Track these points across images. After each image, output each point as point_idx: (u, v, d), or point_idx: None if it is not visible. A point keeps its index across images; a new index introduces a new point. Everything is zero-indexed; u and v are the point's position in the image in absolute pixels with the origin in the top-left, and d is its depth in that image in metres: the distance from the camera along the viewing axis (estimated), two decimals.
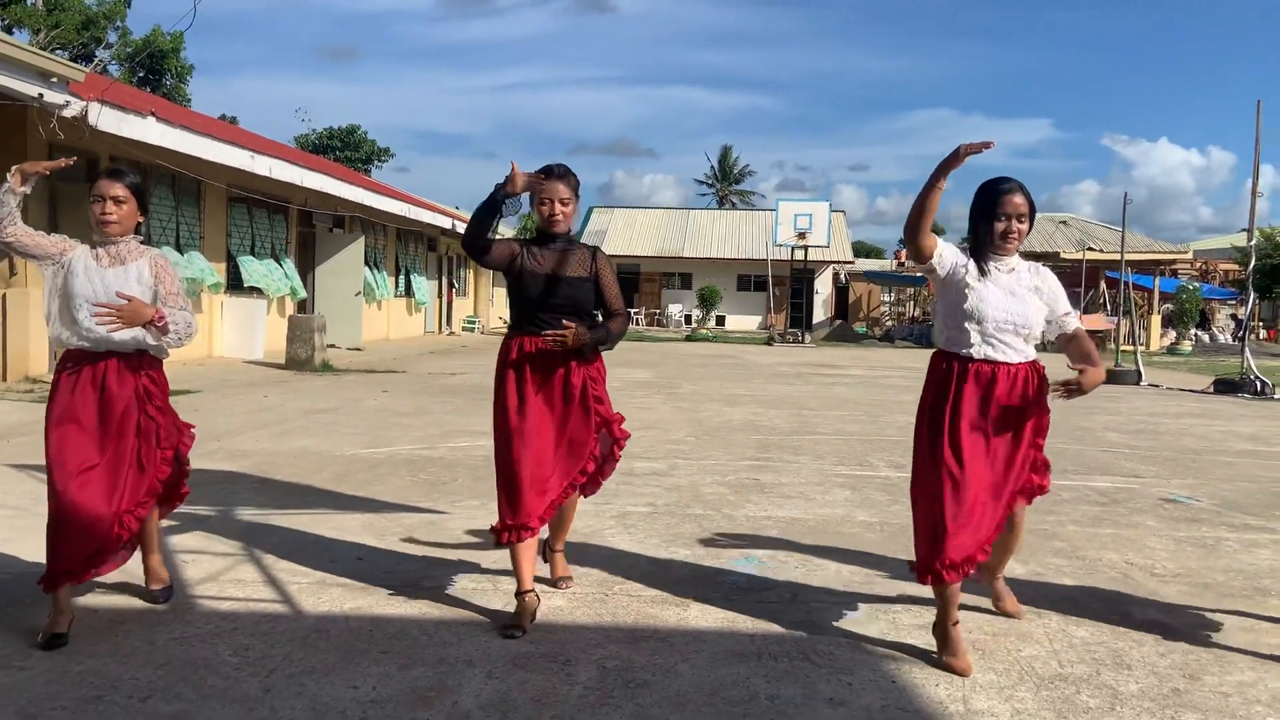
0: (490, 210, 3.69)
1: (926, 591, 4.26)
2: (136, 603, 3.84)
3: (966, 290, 3.54)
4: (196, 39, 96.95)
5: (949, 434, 3.50)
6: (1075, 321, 3.69)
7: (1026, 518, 3.88)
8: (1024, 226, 3.54)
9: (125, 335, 3.53)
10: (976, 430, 3.51)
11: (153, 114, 12.29)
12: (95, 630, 3.52)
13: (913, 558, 3.61)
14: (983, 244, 3.58)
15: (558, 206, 3.87)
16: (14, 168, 3.57)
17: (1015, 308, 3.52)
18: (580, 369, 3.88)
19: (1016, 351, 3.55)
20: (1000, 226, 3.52)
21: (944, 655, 3.44)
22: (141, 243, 3.74)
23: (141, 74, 39.94)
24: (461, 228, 28.20)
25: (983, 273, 3.56)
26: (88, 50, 36.69)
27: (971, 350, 3.54)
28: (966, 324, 3.54)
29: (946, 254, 3.61)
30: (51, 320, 3.62)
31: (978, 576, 3.80)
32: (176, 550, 4.60)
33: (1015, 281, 3.58)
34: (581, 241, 4.04)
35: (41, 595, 3.51)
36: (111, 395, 3.56)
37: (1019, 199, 3.52)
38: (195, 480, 6.16)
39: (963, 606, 4.00)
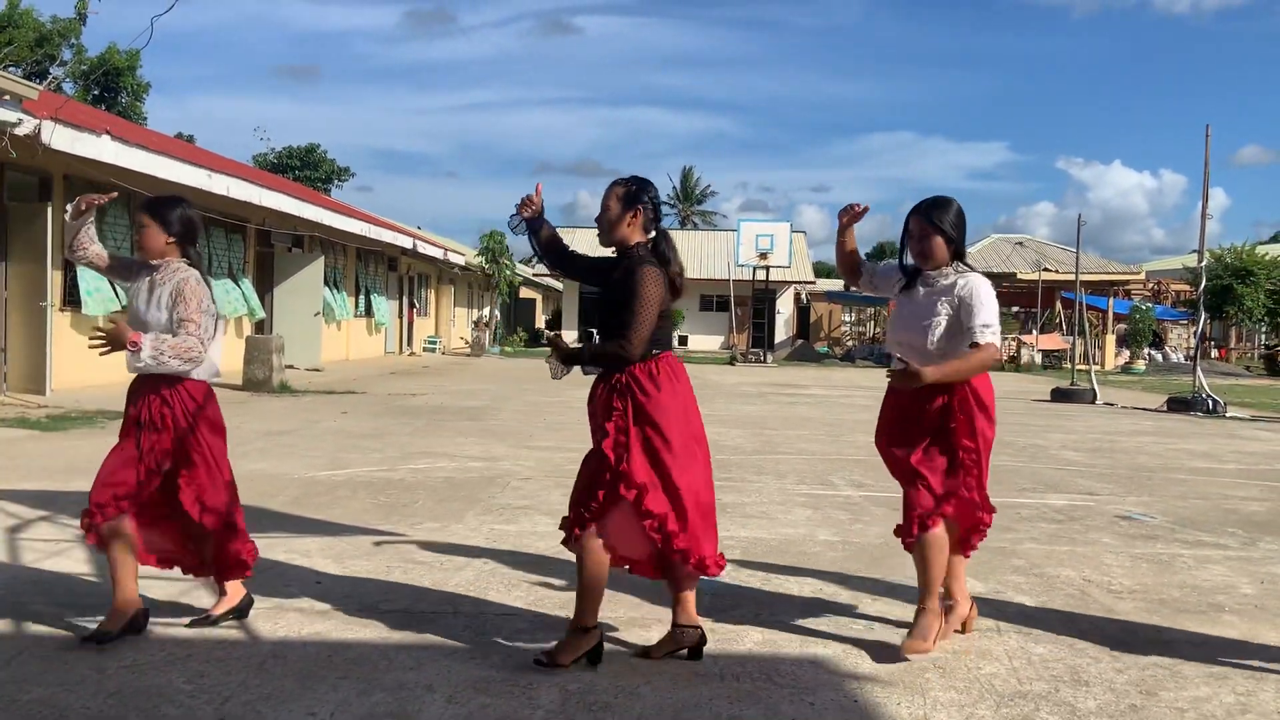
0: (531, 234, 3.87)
1: (888, 611, 4.28)
2: (85, 630, 3.75)
3: (892, 307, 4.01)
4: (153, 57, 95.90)
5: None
6: (984, 339, 3.66)
7: (988, 536, 3.96)
8: (926, 245, 3.77)
9: (142, 362, 3.67)
10: (896, 426, 3.90)
11: (108, 132, 12.14)
12: (43, 658, 3.44)
13: (873, 575, 3.66)
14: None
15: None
16: (77, 198, 3.83)
17: (915, 330, 3.81)
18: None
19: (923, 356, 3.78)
20: (912, 247, 3.86)
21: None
22: (190, 264, 3.83)
23: (96, 92, 39.47)
24: (423, 247, 28.10)
25: (905, 289, 3.91)
26: (41, 68, 36.15)
27: (893, 361, 3.93)
28: (887, 336, 3.97)
29: (882, 269, 4.11)
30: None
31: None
32: None
33: (933, 297, 3.80)
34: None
35: None
36: (158, 415, 3.73)
37: (914, 221, 3.81)
38: None
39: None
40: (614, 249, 3.76)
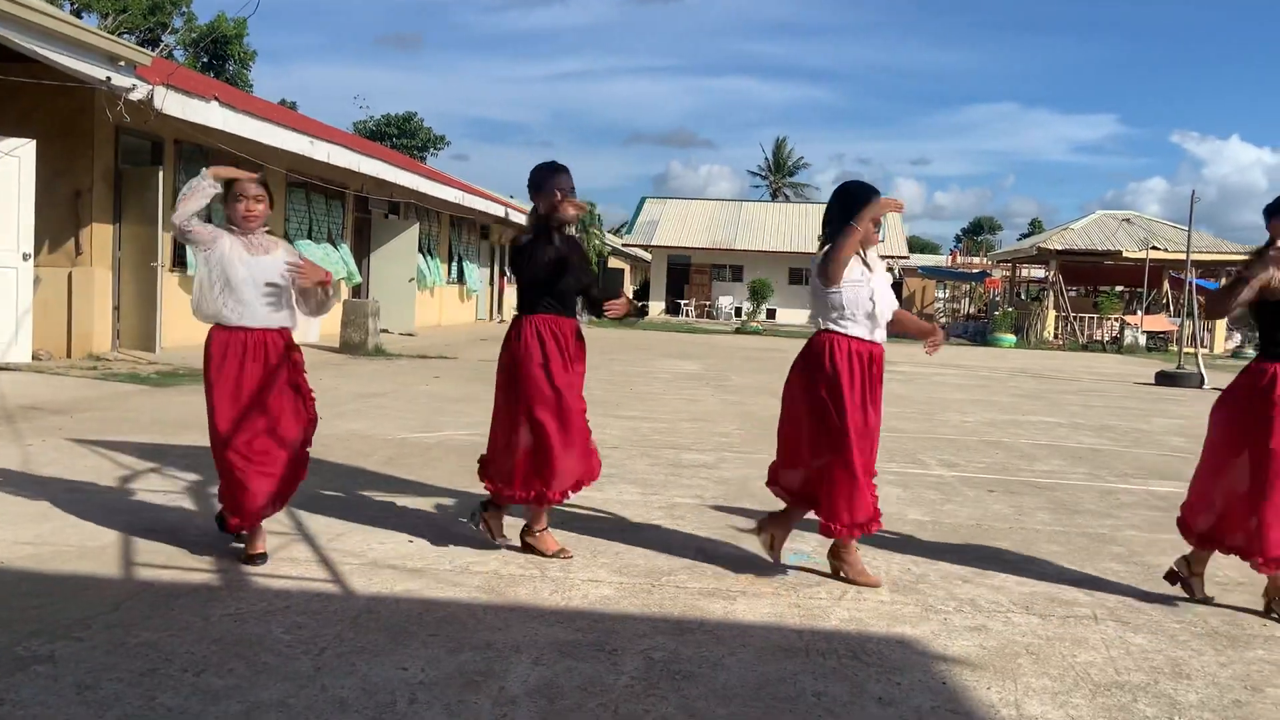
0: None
1: (978, 594, 4.19)
2: (191, 578, 3.91)
3: (861, 287, 4.19)
4: (259, 25, 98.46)
5: (844, 404, 4.14)
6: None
7: (1088, 523, 3.82)
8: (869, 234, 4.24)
9: (280, 315, 4.22)
10: (862, 401, 4.17)
11: (216, 99, 12.49)
12: (151, 605, 3.59)
13: (964, 556, 3.56)
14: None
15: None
16: (209, 168, 4.31)
17: (890, 297, 4.26)
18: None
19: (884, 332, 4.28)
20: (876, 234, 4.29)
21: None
22: (268, 233, 4.29)
23: (205, 59, 40.66)
24: (515, 216, 28.40)
25: (869, 267, 4.23)
26: (154, 35, 37.43)
27: (866, 333, 4.20)
28: (864, 309, 4.18)
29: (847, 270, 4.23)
30: (208, 300, 4.18)
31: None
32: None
33: (881, 269, 4.31)
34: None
35: (99, 574, 3.58)
36: (269, 363, 4.18)
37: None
38: None
39: (1012, 611, 3.93)
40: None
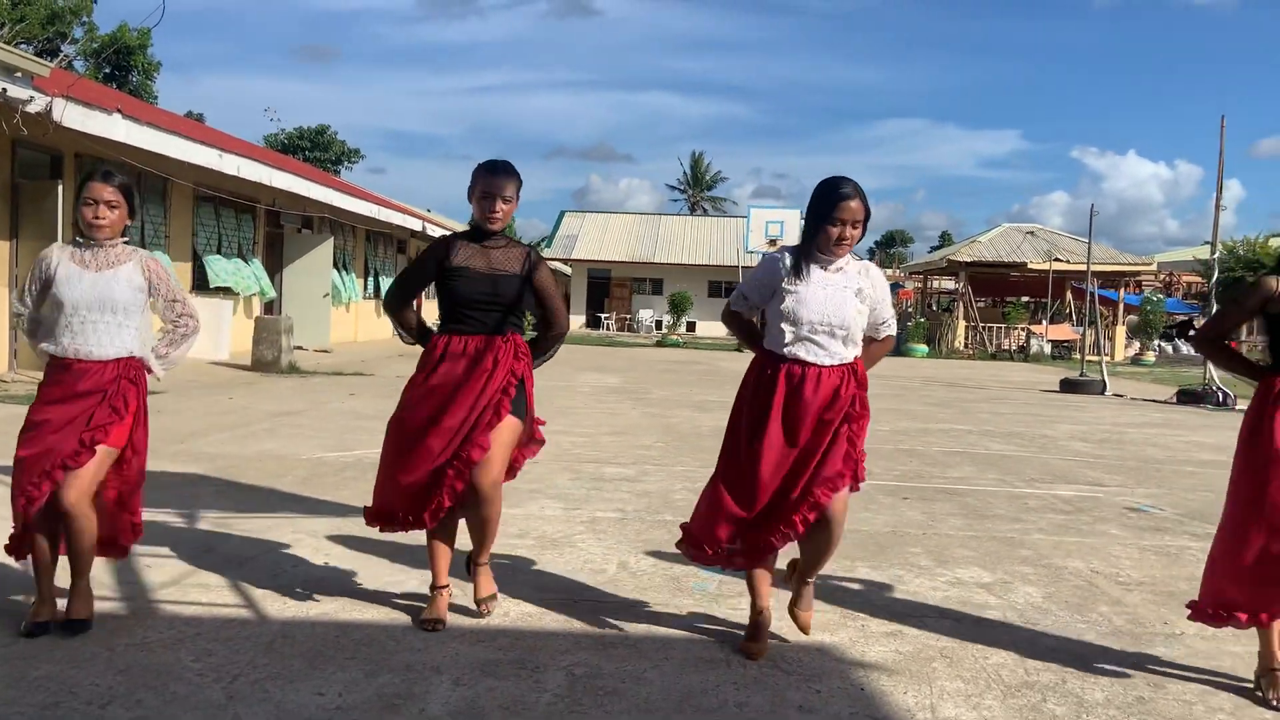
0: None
1: (894, 599, 4.28)
2: (95, 607, 3.76)
3: (785, 294, 3.52)
4: (164, 35, 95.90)
5: (750, 428, 3.55)
6: (889, 330, 3.72)
7: (997, 528, 3.88)
8: (857, 233, 3.50)
9: (114, 350, 3.54)
10: (777, 426, 3.50)
11: (119, 111, 12.13)
12: (52, 636, 3.45)
13: (880, 563, 3.61)
14: (813, 244, 3.53)
15: (499, 204, 3.78)
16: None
17: (831, 310, 3.49)
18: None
19: (829, 354, 3.50)
20: (835, 232, 3.47)
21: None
22: (127, 243, 3.68)
23: (108, 70, 39.45)
24: (432, 230, 28.12)
25: (800, 274, 3.53)
26: (53, 45, 36.16)
27: (784, 350, 3.52)
28: (783, 324, 3.52)
29: (756, 295, 3.68)
30: (37, 329, 3.66)
31: (786, 575, 3.84)
32: (138, 554, 4.52)
33: (840, 281, 3.54)
34: (526, 244, 3.97)
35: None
36: (80, 393, 3.52)
37: (855, 204, 3.47)
38: (158, 483, 6.09)
39: (926, 616, 4.03)
40: (491, 233, 3.86)
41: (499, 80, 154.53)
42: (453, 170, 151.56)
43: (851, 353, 3.55)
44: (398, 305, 4.02)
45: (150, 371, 3.66)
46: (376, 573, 4.39)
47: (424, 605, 3.91)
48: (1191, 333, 18.18)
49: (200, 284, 16.07)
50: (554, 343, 4.04)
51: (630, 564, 4.71)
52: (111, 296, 3.54)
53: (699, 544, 3.62)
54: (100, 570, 4.23)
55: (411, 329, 4.02)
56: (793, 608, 3.69)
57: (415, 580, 4.29)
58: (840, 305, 3.50)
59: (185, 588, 4.06)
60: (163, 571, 4.28)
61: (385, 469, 3.86)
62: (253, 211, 18.05)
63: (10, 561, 3.77)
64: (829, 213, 3.47)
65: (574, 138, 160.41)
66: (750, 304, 3.75)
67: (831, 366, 3.50)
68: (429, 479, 3.71)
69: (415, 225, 26.20)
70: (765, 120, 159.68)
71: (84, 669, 3.17)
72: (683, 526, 3.75)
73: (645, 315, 42.52)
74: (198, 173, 14.83)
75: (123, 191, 3.61)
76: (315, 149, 53.16)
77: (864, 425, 3.57)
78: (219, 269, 16.50)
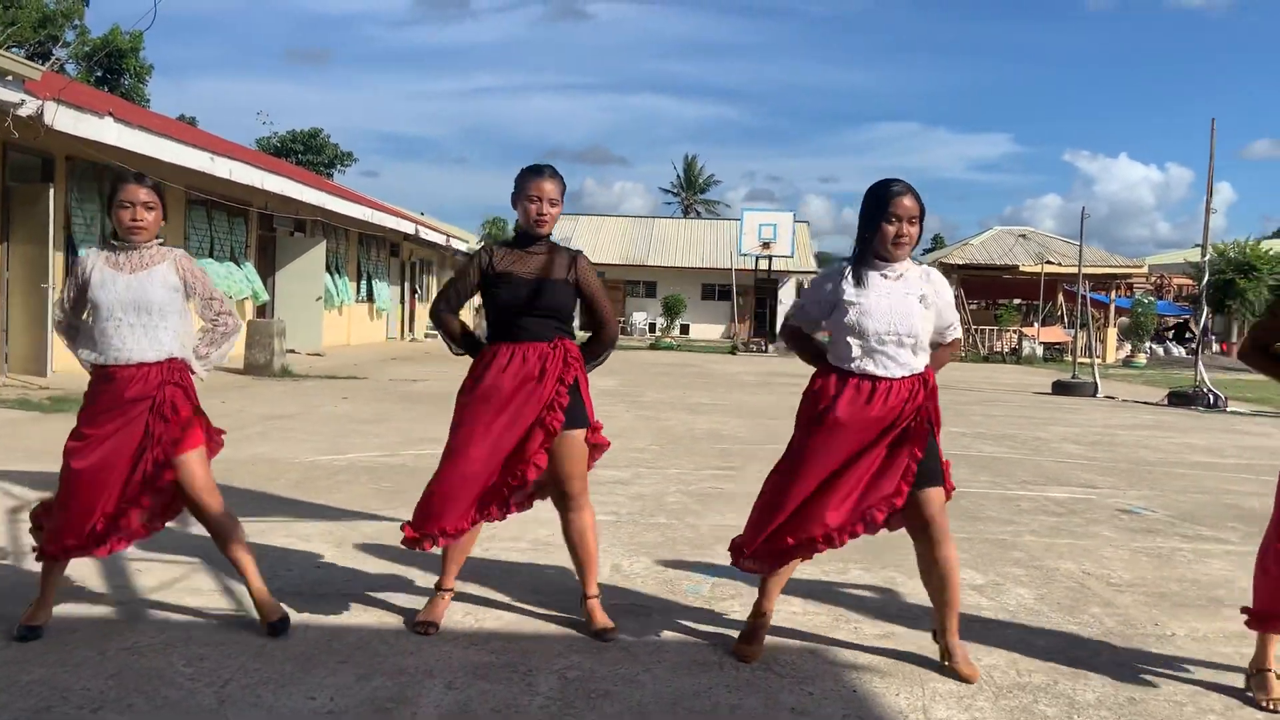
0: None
1: (887, 602, 4.28)
2: (87, 611, 3.76)
3: (848, 306, 3.40)
4: (156, 39, 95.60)
5: (814, 444, 3.43)
6: (955, 333, 3.61)
7: (990, 530, 3.85)
8: (914, 230, 3.40)
9: (154, 353, 3.51)
10: (842, 442, 3.38)
11: (110, 114, 12.10)
12: (44, 640, 3.44)
13: (873, 566, 3.60)
14: (869, 249, 3.43)
15: (547, 207, 3.73)
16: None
17: (897, 320, 3.36)
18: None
19: (900, 365, 3.38)
20: (891, 230, 3.36)
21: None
22: (161, 243, 3.67)
23: (99, 73, 39.36)
24: (425, 233, 28.10)
25: (861, 282, 3.41)
26: (44, 49, 36.08)
27: (852, 365, 3.40)
28: (849, 338, 3.40)
29: (816, 309, 3.57)
30: (75, 335, 3.62)
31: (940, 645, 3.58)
32: (129, 558, 4.51)
33: (903, 289, 3.41)
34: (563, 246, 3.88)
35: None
36: (129, 400, 3.49)
37: (909, 201, 3.37)
38: None
39: (919, 617, 4.03)
40: (537, 238, 3.80)
41: (493, 83, 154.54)
42: (446, 174, 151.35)
43: (921, 361, 3.43)
44: (442, 314, 3.92)
45: (193, 373, 3.65)
46: (369, 577, 4.38)
47: (417, 608, 3.91)
48: (1188, 335, 18.24)
49: None
50: (606, 347, 3.96)
51: (623, 566, 4.71)
52: (147, 298, 3.51)
53: (741, 550, 3.56)
54: (90, 574, 4.22)
55: (457, 338, 3.93)
56: (954, 665, 3.46)
57: (408, 584, 4.29)
58: (906, 313, 3.37)
59: (177, 592, 4.05)
60: (154, 575, 4.27)
61: (437, 483, 3.70)
62: (245, 215, 18.02)
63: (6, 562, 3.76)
64: (883, 211, 3.37)
65: (568, 141, 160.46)
66: (810, 318, 3.62)
67: (903, 379, 3.38)
68: (480, 493, 3.65)
69: (408, 229, 26.18)
70: (758, 123, 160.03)
71: (75, 673, 3.16)
72: (733, 547, 3.65)
73: (639, 318, 42.54)
74: (190, 176, 14.80)
75: (156, 192, 3.62)
76: (308, 152, 53.09)
77: (936, 434, 3.46)
78: (211, 272, 16.46)
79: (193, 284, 3.65)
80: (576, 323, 3.98)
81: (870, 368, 3.38)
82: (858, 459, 3.38)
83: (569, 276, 3.76)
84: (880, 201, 3.39)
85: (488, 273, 3.75)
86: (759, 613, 3.61)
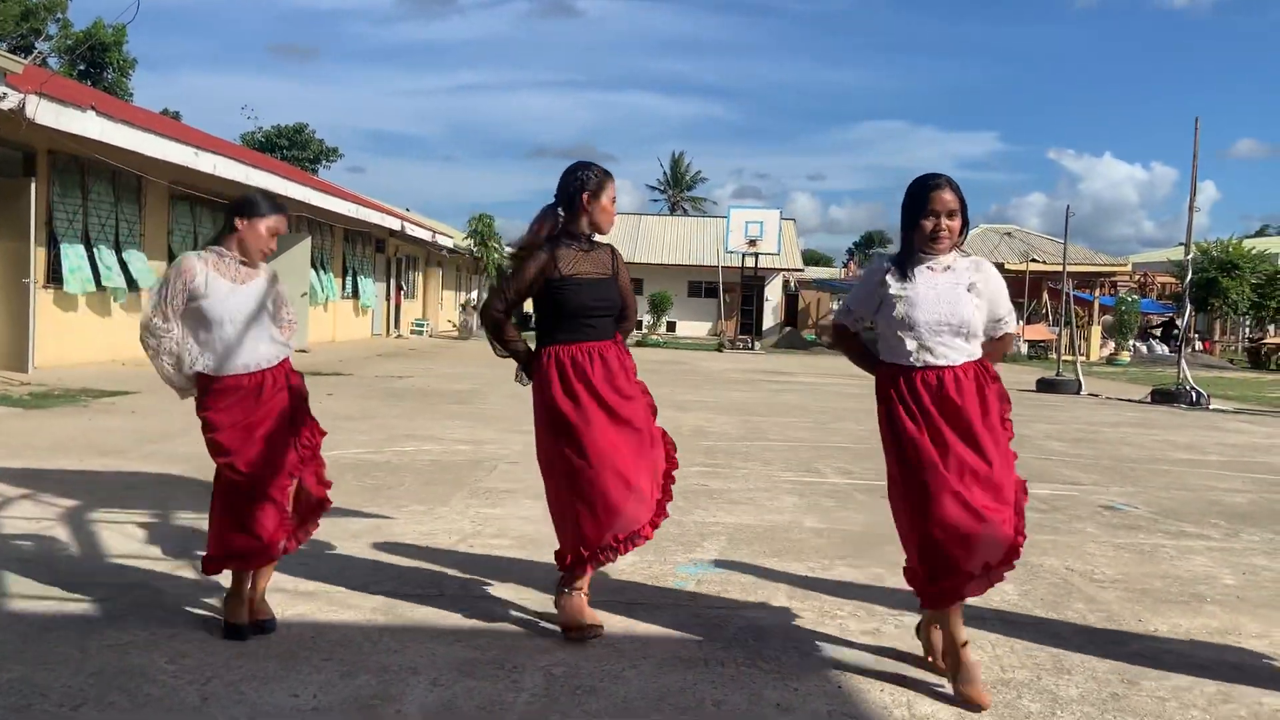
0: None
1: (873, 598, 4.29)
2: (67, 609, 3.73)
3: (895, 300, 3.36)
4: (139, 32, 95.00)
5: (910, 445, 3.29)
6: (1008, 327, 3.53)
7: None
8: (954, 223, 3.35)
9: (277, 354, 3.67)
10: (938, 437, 3.27)
11: (93, 108, 12.01)
12: (23, 637, 3.41)
13: (858, 563, 3.59)
14: (913, 244, 3.39)
15: (613, 206, 3.85)
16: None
17: (946, 309, 3.31)
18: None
19: (958, 351, 3.33)
20: (929, 225, 3.33)
21: (958, 684, 3.21)
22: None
23: (82, 67, 39.07)
24: (411, 229, 28.03)
25: (906, 276, 3.36)
26: (26, 42, 35.81)
27: (911, 359, 3.33)
28: (900, 333, 3.35)
29: (861, 306, 3.53)
30: (186, 351, 3.57)
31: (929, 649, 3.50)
32: (112, 554, 4.49)
33: (951, 280, 3.37)
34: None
35: None
36: (266, 402, 3.61)
37: (948, 195, 3.33)
38: (133, 483, 6.04)
39: (904, 614, 4.04)
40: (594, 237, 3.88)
41: (479, 80, 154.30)
42: (433, 170, 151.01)
43: (977, 348, 3.37)
44: (503, 316, 3.80)
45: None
46: (353, 574, 4.36)
47: (401, 604, 3.90)
48: (1175, 332, 18.36)
49: None
50: (625, 337, 4.04)
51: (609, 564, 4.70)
52: (262, 307, 3.66)
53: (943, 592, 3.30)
54: (72, 570, 4.19)
55: (512, 343, 3.84)
56: (938, 662, 3.39)
57: (392, 581, 4.27)
58: (955, 302, 3.31)
59: (159, 588, 4.02)
60: (136, 573, 4.24)
61: (587, 506, 3.57)
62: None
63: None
64: (921, 206, 3.33)
65: (555, 138, 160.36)
66: (855, 316, 3.58)
67: (966, 364, 3.33)
68: (645, 498, 3.63)
69: (394, 225, 26.10)
70: (745, 121, 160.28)
71: (55, 671, 3.13)
72: (907, 573, 3.45)
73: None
74: (173, 171, 14.71)
75: (284, 212, 3.79)
76: (293, 147, 52.86)
77: (1006, 419, 3.39)
78: None
79: (280, 303, 3.77)
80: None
81: (930, 359, 3.32)
82: (960, 451, 3.25)
83: (613, 272, 3.88)
84: (917, 197, 3.36)
85: (550, 275, 3.72)
86: (962, 643, 3.28)
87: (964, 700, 3.17)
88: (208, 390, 3.56)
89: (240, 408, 3.55)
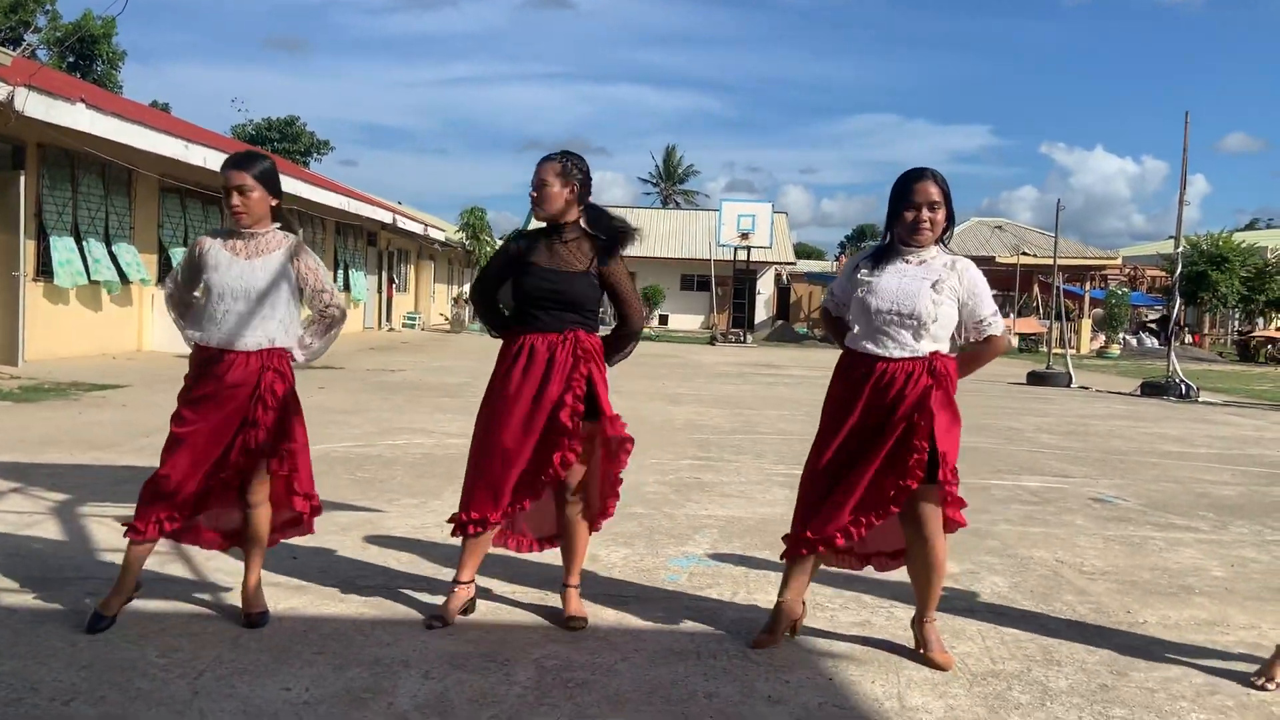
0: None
1: (863, 591, 4.31)
2: (58, 603, 3.72)
3: (860, 287, 3.47)
4: (129, 24, 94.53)
5: (830, 426, 3.49)
6: (994, 329, 3.48)
7: (965, 517, 3.76)
8: (937, 215, 3.38)
9: (254, 340, 3.53)
10: (854, 423, 3.40)
11: (82, 100, 11.95)
12: (14, 632, 3.40)
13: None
14: (894, 236, 3.46)
15: (542, 189, 3.78)
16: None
17: (900, 299, 3.36)
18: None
19: (901, 346, 3.37)
20: (910, 216, 3.37)
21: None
22: (281, 228, 3.68)
23: (71, 59, 38.85)
24: (403, 222, 27.97)
25: (879, 265, 3.45)
26: (15, 34, 35.58)
27: (858, 345, 3.44)
28: (854, 318, 3.48)
29: (840, 291, 3.63)
30: (185, 312, 3.68)
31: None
32: (102, 548, 4.48)
33: (919, 273, 3.40)
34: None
35: None
36: (229, 385, 3.51)
37: (931, 187, 3.36)
38: (124, 477, 6.03)
39: (894, 607, 4.05)
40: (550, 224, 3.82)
41: (472, 72, 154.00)
42: (425, 163, 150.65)
43: (926, 346, 3.37)
44: (479, 303, 3.99)
45: (293, 360, 3.67)
46: (345, 567, 4.36)
47: (393, 598, 3.91)
48: (1173, 327, 18.43)
49: (166, 277, 15.87)
50: (629, 340, 3.93)
51: (601, 556, 4.71)
52: (255, 285, 3.52)
53: (798, 541, 3.52)
54: (61, 564, 4.18)
55: (498, 327, 3.90)
56: (929, 654, 3.48)
57: (383, 575, 4.27)
58: (912, 294, 3.35)
59: (150, 582, 4.01)
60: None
61: (471, 472, 3.73)
62: (220, 204, 17.85)
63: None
64: (904, 198, 3.39)
65: (547, 131, 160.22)
66: (836, 300, 3.67)
67: (901, 359, 3.36)
68: (513, 481, 3.63)
69: (386, 218, 26.03)
70: (737, 114, 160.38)
71: (47, 665, 3.13)
72: (785, 539, 3.64)
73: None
74: (163, 163, 14.65)
75: (258, 177, 3.56)
76: (284, 140, 52.64)
77: (944, 425, 3.35)
78: None
79: (305, 275, 3.64)
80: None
81: (870, 346, 3.40)
82: (865, 448, 3.37)
83: (590, 267, 3.75)
84: (901, 189, 3.41)
85: (513, 262, 3.78)
86: (777, 602, 3.61)
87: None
88: (194, 359, 3.61)
89: (207, 381, 3.51)
